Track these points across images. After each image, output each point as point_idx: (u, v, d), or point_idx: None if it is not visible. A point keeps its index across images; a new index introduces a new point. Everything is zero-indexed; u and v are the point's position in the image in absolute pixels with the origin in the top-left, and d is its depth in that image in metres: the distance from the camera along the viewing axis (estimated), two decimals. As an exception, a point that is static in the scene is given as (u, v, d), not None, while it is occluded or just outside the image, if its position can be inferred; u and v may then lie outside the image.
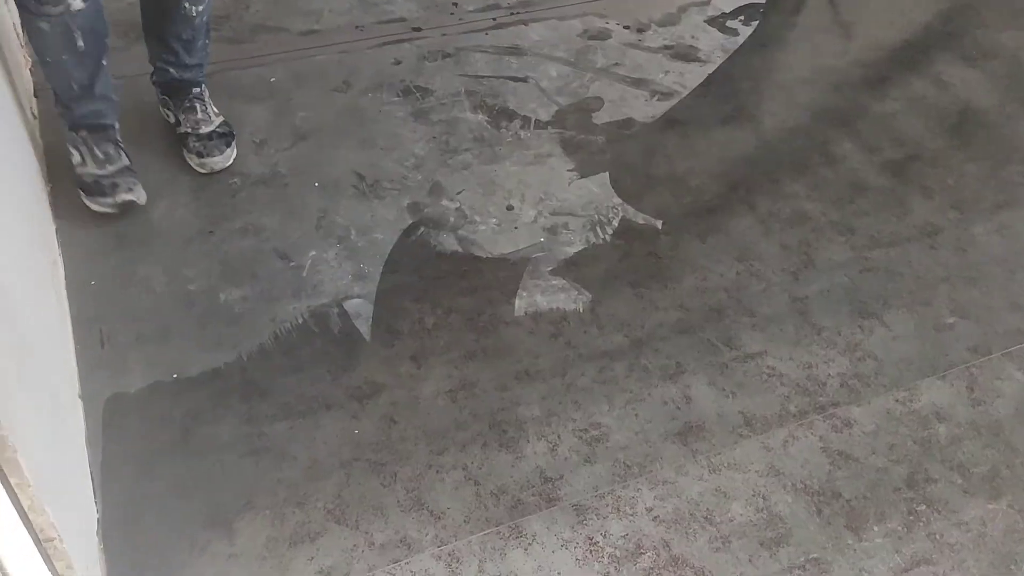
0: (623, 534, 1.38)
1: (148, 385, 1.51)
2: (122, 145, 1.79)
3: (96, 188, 1.73)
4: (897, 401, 1.58)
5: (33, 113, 1.90)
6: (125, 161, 1.77)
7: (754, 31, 2.47)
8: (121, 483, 1.38)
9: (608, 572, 1.33)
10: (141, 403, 1.49)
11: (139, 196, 1.76)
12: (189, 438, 1.45)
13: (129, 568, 1.29)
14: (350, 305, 1.68)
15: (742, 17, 2.53)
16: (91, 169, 1.74)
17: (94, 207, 1.75)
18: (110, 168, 1.74)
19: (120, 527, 1.33)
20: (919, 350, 1.66)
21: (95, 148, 1.74)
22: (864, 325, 1.71)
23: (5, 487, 0.84)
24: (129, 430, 1.45)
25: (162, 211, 1.80)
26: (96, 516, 1.32)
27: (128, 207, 1.76)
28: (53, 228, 1.72)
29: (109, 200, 1.73)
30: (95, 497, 1.34)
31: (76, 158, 1.75)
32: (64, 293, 1.61)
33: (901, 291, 1.77)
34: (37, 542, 0.91)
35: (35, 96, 1.97)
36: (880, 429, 1.53)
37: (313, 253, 1.77)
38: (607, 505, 1.41)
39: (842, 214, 1.93)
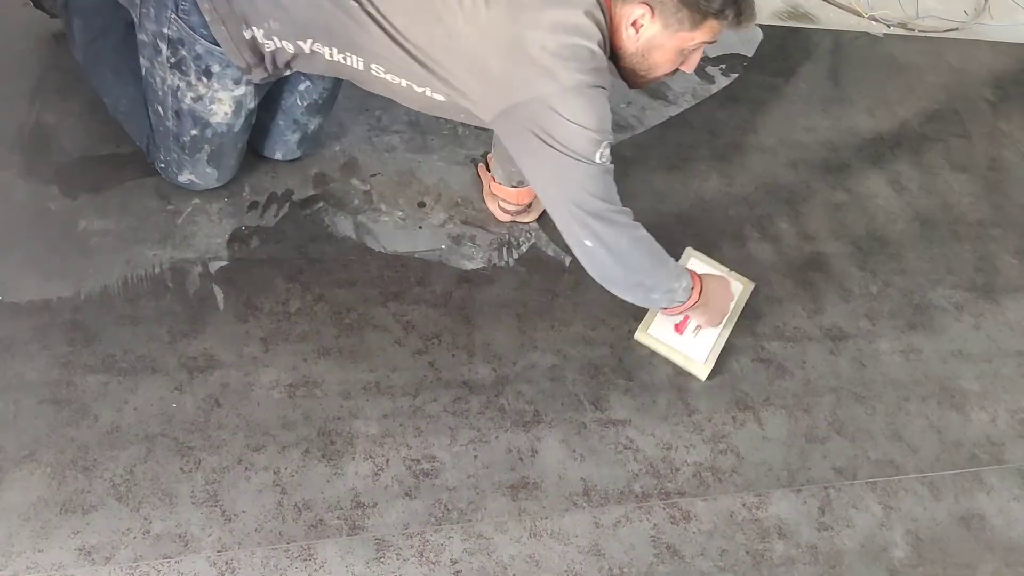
0: (417, 581, 1.30)
1: (-33, 301, 1.40)
2: None
3: None
4: (744, 505, 1.51)
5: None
6: None
7: (731, 83, 2.38)
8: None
9: (387, 619, 1.25)
10: (-48, 319, 1.37)
11: None
12: (-8, 369, 1.35)
13: None
14: (216, 267, 1.58)
15: (724, 66, 2.44)
16: None
17: None
18: None
19: None
20: (783, 457, 1.60)
21: None
22: (738, 417, 1.64)
23: None
24: (-72, 346, 1.34)
25: (51, 119, 1.67)
26: None
27: None
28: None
29: None
30: None
31: None
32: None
33: (786, 391, 1.70)
34: None
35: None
36: (716, 531, 1.47)
37: (196, 201, 1.66)
38: (412, 547, 1.33)
39: (754, 297, 1.85)
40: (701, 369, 1.67)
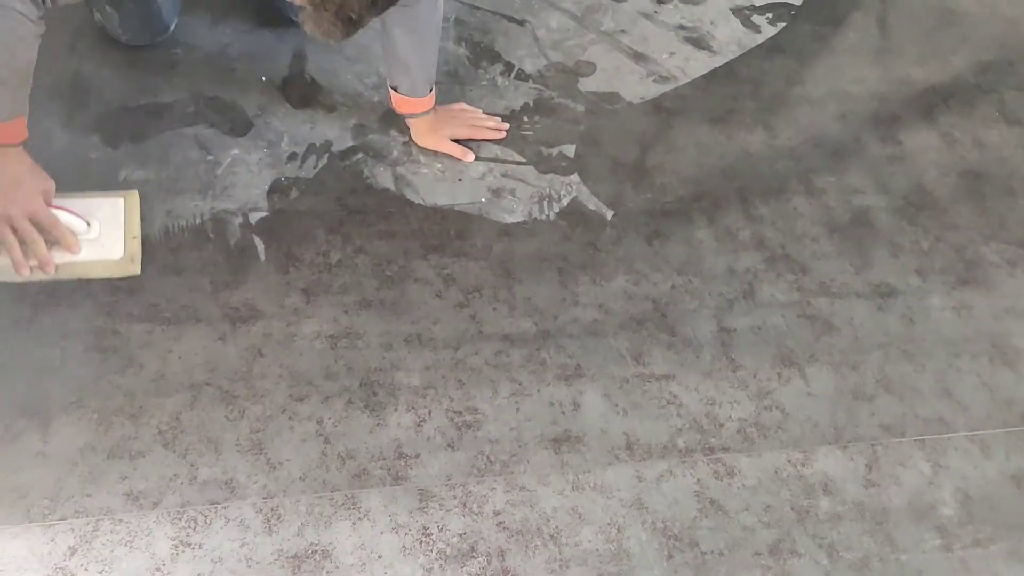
0: (461, 532, 1.30)
1: (12, 250, 1.40)
2: None
3: None
4: (789, 461, 1.49)
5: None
6: None
7: (778, 33, 2.31)
8: (-52, 348, 1.29)
9: (431, 568, 1.25)
10: (-2, 268, 1.38)
11: None
12: (37, 316, 1.35)
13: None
14: (256, 218, 1.57)
15: (770, 15, 2.36)
16: None
17: None
18: None
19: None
20: (830, 414, 1.57)
21: None
22: (783, 373, 1.61)
23: None
24: (-25, 294, 1.35)
25: (89, 69, 1.66)
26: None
27: None
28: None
29: None
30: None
31: None
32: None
33: (833, 348, 1.67)
34: None
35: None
36: (761, 486, 1.45)
37: (235, 152, 1.65)
38: (455, 497, 1.33)
39: (800, 251, 1.81)
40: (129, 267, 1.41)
